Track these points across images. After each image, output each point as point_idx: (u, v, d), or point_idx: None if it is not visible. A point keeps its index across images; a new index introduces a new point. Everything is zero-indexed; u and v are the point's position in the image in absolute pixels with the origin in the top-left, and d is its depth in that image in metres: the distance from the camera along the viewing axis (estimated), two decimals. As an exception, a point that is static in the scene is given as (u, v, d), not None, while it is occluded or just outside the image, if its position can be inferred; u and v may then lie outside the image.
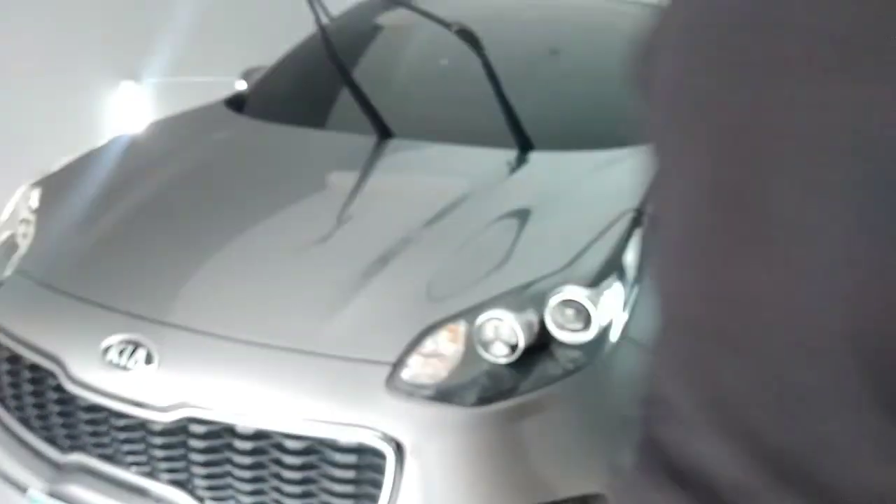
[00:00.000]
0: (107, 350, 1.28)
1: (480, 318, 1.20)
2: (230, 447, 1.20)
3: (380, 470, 1.14)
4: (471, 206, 1.56)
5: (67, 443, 1.38)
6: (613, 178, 1.69)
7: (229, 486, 1.23)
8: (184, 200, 1.71)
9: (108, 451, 1.33)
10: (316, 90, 2.34)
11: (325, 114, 2.19)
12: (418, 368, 1.18)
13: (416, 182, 1.75)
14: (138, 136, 2.12)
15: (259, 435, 1.19)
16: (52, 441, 1.40)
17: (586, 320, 1.21)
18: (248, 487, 1.22)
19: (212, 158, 1.92)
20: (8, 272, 1.57)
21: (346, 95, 2.08)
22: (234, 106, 2.20)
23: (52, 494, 1.34)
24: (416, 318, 1.23)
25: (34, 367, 1.39)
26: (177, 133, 2.11)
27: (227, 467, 1.22)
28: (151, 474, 1.29)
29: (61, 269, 1.49)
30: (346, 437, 1.15)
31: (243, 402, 1.20)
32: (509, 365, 1.20)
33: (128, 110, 3.32)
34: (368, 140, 1.88)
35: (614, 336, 1.24)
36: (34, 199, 1.73)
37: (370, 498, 1.16)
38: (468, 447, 1.15)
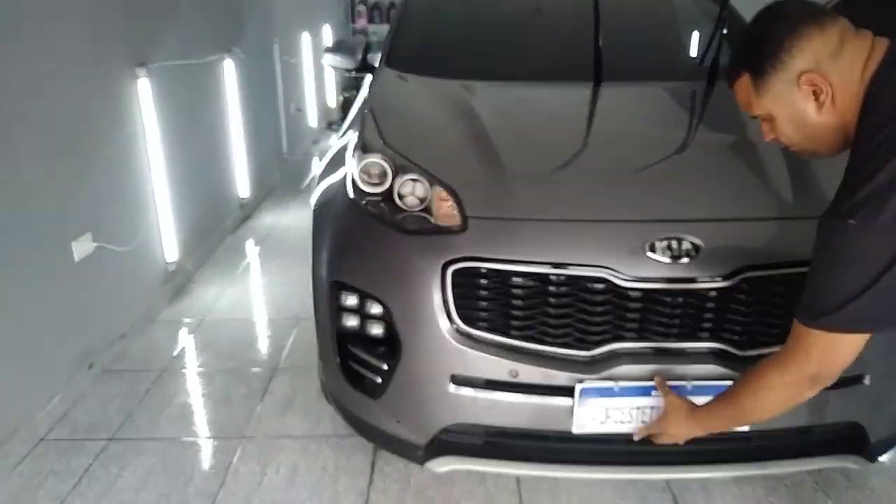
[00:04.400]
0: (652, 249, 1.64)
1: None
2: (772, 292, 1.67)
3: None
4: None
5: (594, 339, 1.70)
6: None
7: (762, 326, 1.70)
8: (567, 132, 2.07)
9: (646, 333, 1.69)
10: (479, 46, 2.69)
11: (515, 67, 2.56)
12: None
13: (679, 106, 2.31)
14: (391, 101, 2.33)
15: (792, 279, 1.68)
16: (572, 346, 1.70)
17: None
18: (777, 320, 1.70)
19: (509, 102, 2.25)
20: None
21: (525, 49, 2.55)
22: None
23: (600, 379, 1.67)
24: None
25: (567, 283, 1.66)
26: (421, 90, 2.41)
27: (764, 309, 1.69)
28: (690, 337, 1.70)
29: (542, 203, 1.76)
30: None
31: (780, 261, 1.67)
32: None
33: (146, 94, 3.20)
34: (586, 85, 2.36)
35: None
36: (382, 166, 1.87)
37: None
38: None
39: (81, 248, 2.76)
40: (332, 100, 8.48)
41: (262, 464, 2.33)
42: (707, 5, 2.89)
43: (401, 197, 1.86)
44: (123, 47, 3.16)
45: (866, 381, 1.76)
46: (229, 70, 4.55)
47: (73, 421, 2.58)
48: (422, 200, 1.85)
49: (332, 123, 8.16)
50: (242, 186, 4.85)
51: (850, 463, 1.83)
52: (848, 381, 1.75)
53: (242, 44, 4.81)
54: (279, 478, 2.26)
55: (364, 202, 1.92)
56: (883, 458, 2.28)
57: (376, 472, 2.27)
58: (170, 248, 3.60)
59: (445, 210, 1.80)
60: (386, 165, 1.90)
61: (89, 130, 2.86)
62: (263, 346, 3.14)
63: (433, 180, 1.84)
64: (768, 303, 1.69)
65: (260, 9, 5.41)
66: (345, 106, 8.11)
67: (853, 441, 1.83)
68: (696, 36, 2.85)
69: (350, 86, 9.11)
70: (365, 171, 1.92)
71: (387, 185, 1.89)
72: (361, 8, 9.71)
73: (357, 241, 1.90)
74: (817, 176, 1.85)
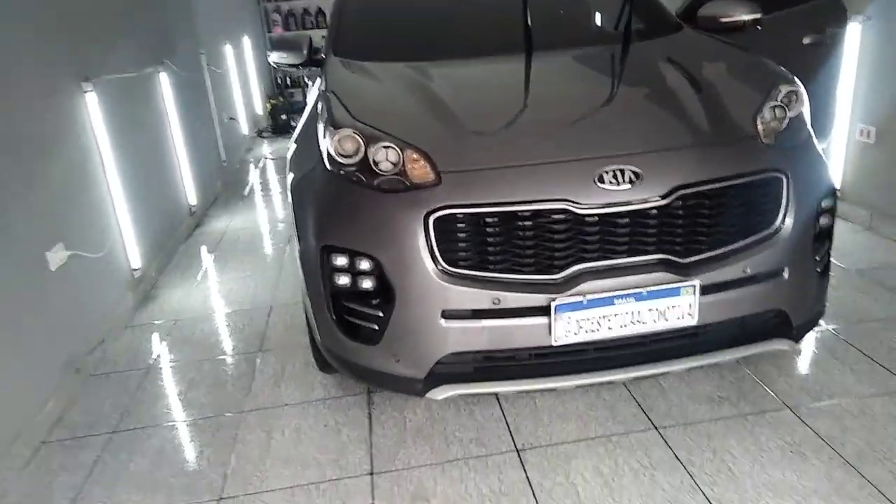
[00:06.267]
0: (601, 180, 1.94)
1: (768, 105, 2.18)
2: (702, 206, 2.00)
3: (779, 190, 2.08)
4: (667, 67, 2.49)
5: (561, 263, 1.98)
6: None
7: (697, 235, 2.03)
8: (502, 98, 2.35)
9: (603, 252, 1.99)
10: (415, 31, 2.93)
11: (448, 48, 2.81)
12: (763, 136, 2.13)
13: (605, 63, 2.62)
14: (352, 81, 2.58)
15: (717, 193, 2.01)
16: (543, 271, 1.98)
17: (800, 100, 2.27)
18: (708, 229, 2.03)
19: (455, 75, 2.51)
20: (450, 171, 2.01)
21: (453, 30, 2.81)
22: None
23: (570, 296, 1.95)
24: (745, 112, 2.16)
25: (532, 217, 1.94)
26: (373, 72, 2.67)
27: (697, 220, 2.01)
28: (639, 251, 2.00)
29: (503, 153, 2.03)
30: (763, 177, 2.06)
31: (705, 178, 1.99)
32: (784, 131, 2.20)
33: (94, 107, 3.32)
34: (520, 56, 2.64)
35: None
36: (355, 138, 2.10)
37: (776, 208, 2.08)
38: (809, 167, 2.16)
39: (56, 257, 2.85)
40: (260, 107, 8.54)
41: (266, 430, 2.51)
42: None
43: (376, 164, 2.09)
44: (68, 63, 3.23)
45: (785, 273, 2.11)
46: (164, 82, 4.62)
47: (71, 422, 2.67)
48: (395, 164, 2.08)
49: (262, 131, 8.22)
50: (190, 194, 4.92)
51: (779, 345, 2.18)
52: (771, 274, 2.10)
53: (172, 56, 4.88)
54: (286, 439, 2.44)
55: (342, 172, 2.14)
56: (807, 346, 2.68)
57: (374, 422, 2.49)
58: (133, 256, 3.68)
59: (419, 169, 2.04)
60: (358, 137, 2.11)
61: (42, 144, 2.93)
62: (242, 334, 3.29)
63: (404, 145, 2.07)
64: (699, 215, 2.01)
65: (184, 22, 5.48)
66: (273, 113, 8.19)
67: (780, 327, 2.19)
68: (609, 6, 3.18)
69: (276, 93, 9.18)
70: (339, 144, 2.13)
71: (360, 156, 2.11)
72: (276, 16, 9.78)
73: (340, 206, 2.11)
74: (726, 109, 2.19)
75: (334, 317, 2.17)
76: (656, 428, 2.31)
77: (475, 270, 1.98)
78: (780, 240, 2.08)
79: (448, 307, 1.99)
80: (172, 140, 4.71)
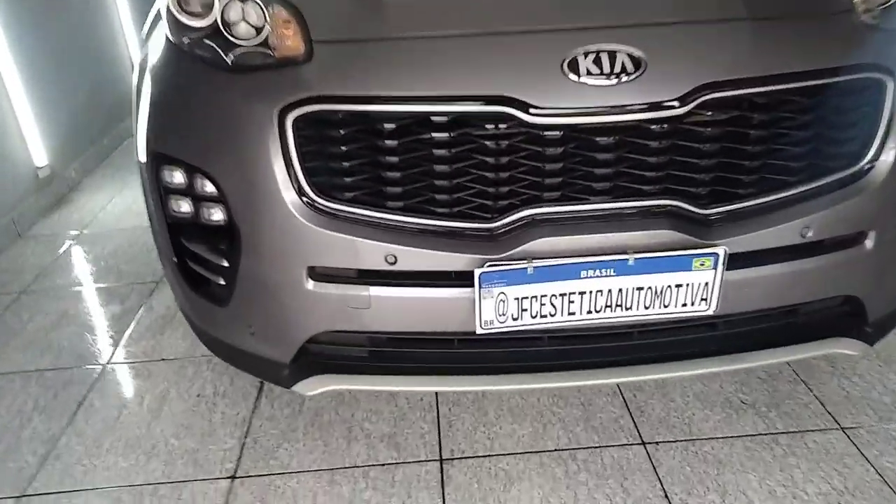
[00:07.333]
0: (573, 67, 1.13)
1: None
2: (744, 121, 1.19)
3: (877, 103, 1.25)
4: None
5: (499, 203, 1.23)
6: None
7: (731, 171, 1.23)
8: None
9: (570, 190, 1.21)
10: None
11: None
12: (860, 11, 1.28)
13: None
14: None
15: (770, 102, 1.20)
16: (469, 215, 1.23)
17: None
18: (750, 162, 1.23)
19: None
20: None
21: None
22: None
23: (509, 259, 1.20)
24: None
25: (456, 124, 1.17)
26: None
27: (733, 146, 1.21)
28: (631, 191, 1.22)
29: (415, 15, 1.25)
30: (853, 78, 1.23)
31: (755, 75, 1.17)
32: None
33: None
34: None
35: None
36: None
37: (870, 133, 1.27)
38: None
39: None
40: None
41: (123, 395, 1.89)
42: None
43: (229, 26, 1.32)
44: None
45: (868, 242, 1.32)
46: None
47: None
48: (258, 29, 1.31)
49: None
50: (141, 80, 4.20)
51: (846, 348, 1.42)
52: (846, 240, 1.31)
53: None
54: (142, 411, 1.82)
55: (187, 41, 1.38)
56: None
57: (263, 396, 1.84)
58: (37, 151, 3.01)
59: (291, 37, 1.27)
60: None
61: None
62: (148, 257, 2.64)
63: None
64: (737, 137, 1.21)
65: None
66: None
67: (848, 320, 1.42)
68: None
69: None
70: None
71: (212, 17, 1.34)
72: None
73: (178, 94, 1.37)
74: None
75: (175, 259, 1.48)
76: (644, 444, 1.61)
77: (361, 207, 1.24)
78: (870, 185, 1.27)
79: (317, 262, 1.27)
80: (116, 6, 3.94)
